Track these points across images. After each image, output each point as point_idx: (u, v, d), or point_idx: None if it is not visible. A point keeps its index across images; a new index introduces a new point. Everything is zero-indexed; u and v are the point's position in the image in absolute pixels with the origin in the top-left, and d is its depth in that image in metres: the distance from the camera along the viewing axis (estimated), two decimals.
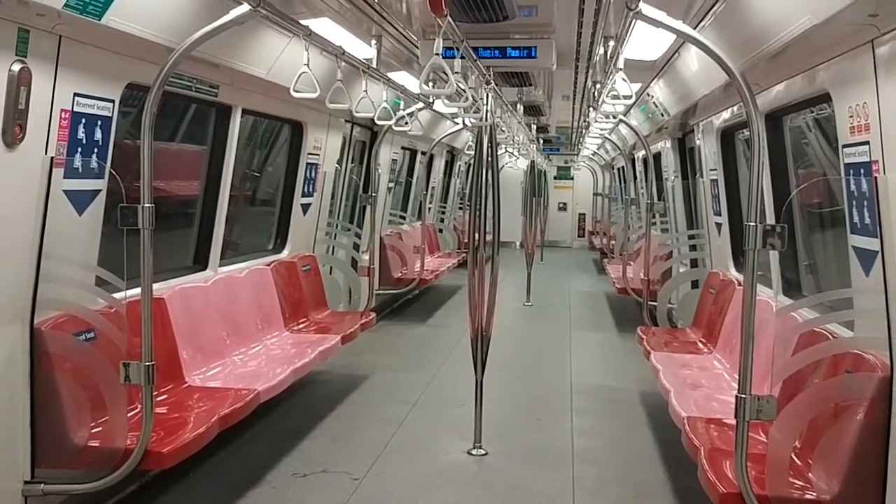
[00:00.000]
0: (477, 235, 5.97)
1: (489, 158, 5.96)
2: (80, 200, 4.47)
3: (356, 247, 9.63)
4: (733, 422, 3.77)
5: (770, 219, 5.80)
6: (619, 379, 8.30)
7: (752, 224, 3.64)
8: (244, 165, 8.63)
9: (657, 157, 11.05)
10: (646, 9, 3.69)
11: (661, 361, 6.53)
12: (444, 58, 4.26)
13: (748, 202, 3.72)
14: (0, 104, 3.74)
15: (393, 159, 11.91)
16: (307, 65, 5.04)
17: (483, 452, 5.93)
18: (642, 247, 9.71)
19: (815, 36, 3.81)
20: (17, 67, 3.79)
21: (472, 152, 15.04)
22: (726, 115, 7.19)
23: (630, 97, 5.45)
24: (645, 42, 5.83)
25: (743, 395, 3.66)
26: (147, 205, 3.99)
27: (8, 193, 3.94)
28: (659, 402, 6.38)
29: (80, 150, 4.38)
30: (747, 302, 3.70)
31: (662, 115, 8.64)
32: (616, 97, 5.50)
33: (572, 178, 25.11)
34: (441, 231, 16.14)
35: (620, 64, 5.08)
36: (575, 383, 8.11)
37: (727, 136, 7.61)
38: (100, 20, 3.89)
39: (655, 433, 6.51)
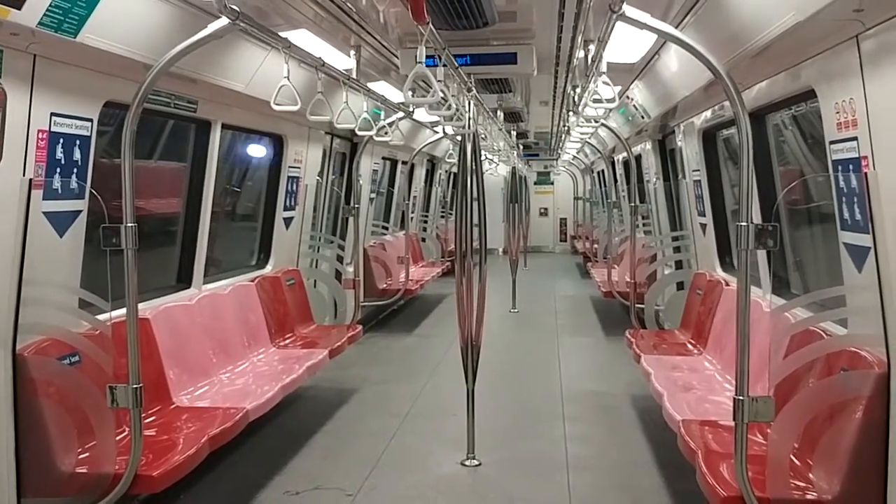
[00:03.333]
0: (463, 243, 5.92)
1: (473, 166, 5.92)
2: (60, 222, 4.40)
3: (340, 259, 9.57)
4: (728, 423, 3.74)
5: (756, 217, 5.79)
6: (609, 383, 8.27)
7: (745, 224, 3.61)
8: (224, 180, 8.55)
9: (638, 159, 11.05)
10: (629, 10, 3.66)
11: (651, 364, 6.50)
12: (426, 66, 4.22)
13: (739, 202, 3.69)
14: None
15: (374, 170, 11.86)
16: (287, 77, 4.99)
17: (477, 463, 5.88)
18: (626, 250, 9.71)
19: (800, 32, 3.79)
20: None
21: (453, 160, 15.06)
22: (707, 114, 7.18)
23: (613, 100, 5.42)
24: (625, 44, 5.82)
25: (741, 398, 3.63)
26: (130, 224, 3.92)
27: None
28: (649, 405, 6.36)
29: (59, 170, 4.31)
30: (741, 303, 3.67)
31: (643, 117, 8.64)
32: (598, 101, 5.46)
33: (552, 183, 25.12)
34: (424, 240, 16.10)
35: (603, 67, 5.05)
36: (565, 389, 8.07)
37: (709, 137, 7.61)
38: (75, 38, 3.83)
39: (648, 437, 6.48)
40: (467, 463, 5.89)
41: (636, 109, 8.62)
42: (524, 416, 7.28)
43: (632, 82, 7.89)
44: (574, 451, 6.24)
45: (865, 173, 3.69)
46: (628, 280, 9.11)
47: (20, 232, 4.05)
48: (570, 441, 6.47)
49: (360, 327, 8.40)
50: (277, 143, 8.04)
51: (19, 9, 3.43)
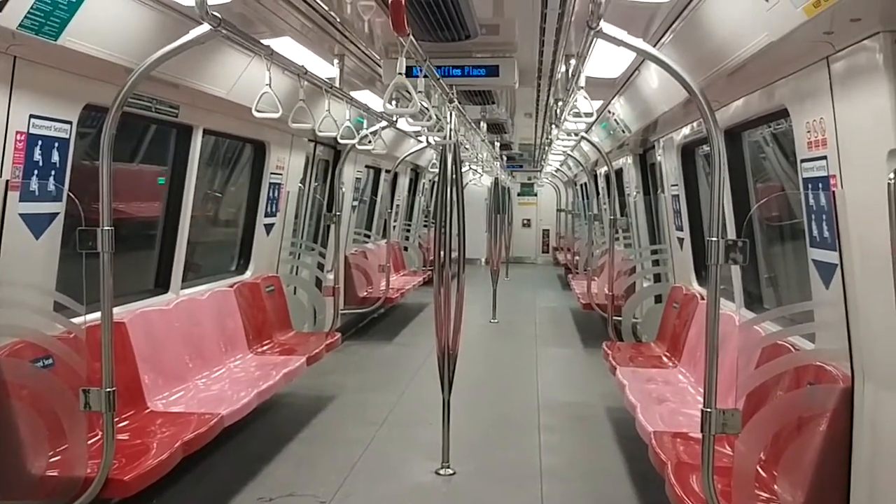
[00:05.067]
0: (442, 253, 5.96)
1: (454, 176, 5.96)
2: (36, 224, 4.40)
3: (321, 266, 9.58)
4: (699, 435, 3.78)
5: (731, 233, 5.86)
6: (586, 394, 8.32)
7: (715, 239, 3.67)
8: (206, 186, 8.57)
9: (619, 173, 11.13)
10: (606, 27, 3.71)
11: (626, 376, 6.55)
12: (407, 77, 4.26)
13: (710, 217, 3.75)
14: None
15: (357, 178, 11.88)
16: (269, 85, 5.02)
17: (451, 472, 5.90)
18: (606, 262, 9.76)
19: (773, 53, 3.86)
20: None
21: (436, 170, 15.10)
22: (686, 131, 7.26)
23: (591, 115, 5.48)
24: (606, 60, 5.88)
25: (708, 409, 3.67)
26: (107, 227, 3.93)
27: None
28: (625, 416, 6.40)
29: (36, 172, 4.32)
30: (711, 316, 3.72)
31: (623, 131, 8.71)
32: (578, 115, 5.52)
33: (536, 195, 25.22)
34: (406, 249, 16.12)
35: (582, 82, 5.11)
36: (542, 400, 8.11)
37: (687, 152, 7.68)
38: (56, 40, 3.85)
39: (622, 448, 6.52)
40: (442, 472, 5.91)
41: (617, 124, 8.69)
42: (500, 425, 7.31)
43: (613, 97, 7.96)
44: (548, 461, 6.28)
45: (833, 192, 3.76)
46: (607, 292, 9.16)
47: None
48: (545, 451, 6.51)
49: (338, 335, 8.42)
50: (259, 150, 8.06)
51: None
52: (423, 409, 7.45)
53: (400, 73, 4.18)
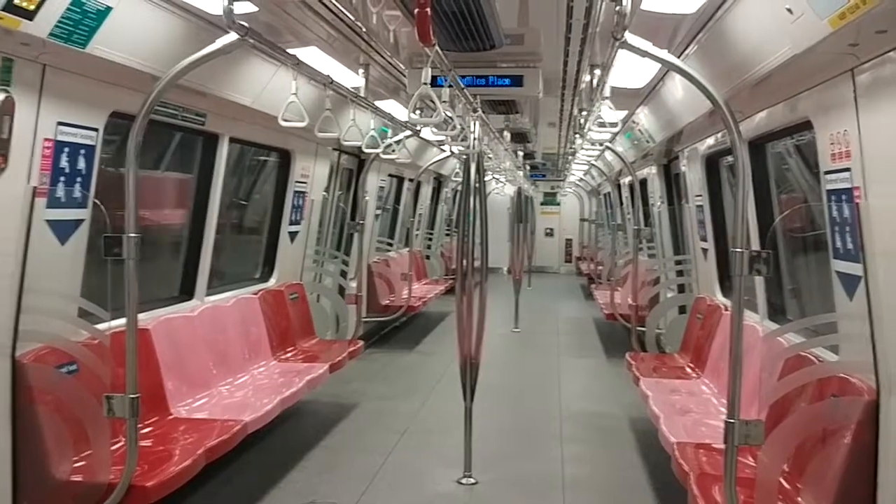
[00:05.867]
0: (465, 262, 5.97)
1: (477, 185, 5.97)
2: (62, 230, 4.44)
3: (343, 274, 9.61)
4: (722, 446, 3.76)
5: (755, 244, 5.83)
6: (608, 405, 8.29)
7: (739, 250, 3.65)
8: (231, 194, 8.63)
9: (643, 182, 11.11)
10: (631, 38, 3.71)
11: (650, 387, 6.53)
12: (431, 86, 4.28)
13: (734, 228, 3.74)
14: None
15: (380, 186, 11.92)
16: (295, 94, 5.04)
17: (473, 482, 5.90)
18: (630, 272, 9.73)
19: (797, 65, 3.85)
20: (0, 97, 3.78)
21: (459, 179, 15.09)
22: (711, 141, 7.24)
23: (616, 125, 5.48)
24: (631, 70, 5.88)
25: (731, 421, 3.65)
26: (132, 234, 3.96)
27: None
28: (648, 427, 6.37)
29: (63, 179, 4.36)
30: (735, 327, 3.71)
31: (648, 141, 8.69)
32: (602, 125, 5.52)
33: (559, 204, 25.18)
34: (428, 258, 16.14)
35: (607, 92, 5.12)
36: (564, 410, 8.10)
37: (712, 163, 7.66)
38: (84, 48, 3.89)
39: (645, 459, 6.49)
40: (463, 481, 5.90)
41: (641, 134, 8.68)
42: (522, 435, 7.30)
43: (637, 107, 7.96)
44: (571, 471, 6.26)
45: (857, 204, 3.74)
46: (630, 302, 9.13)
47: (23, 239, 4.07)
48: (567, 461, 6.49)
49: (361, 343, 8.44)
50: (284, 158, 8.11)
51: (31, 20, 3.49)
52: (444, 417, 7.45)
53: (425, 83, 4.20)
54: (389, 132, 8.53)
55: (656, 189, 10.41)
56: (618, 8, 3.62)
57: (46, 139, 4.18)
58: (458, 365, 6.18)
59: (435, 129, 6.34)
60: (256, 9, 4.38)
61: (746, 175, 3.72)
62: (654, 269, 10.02)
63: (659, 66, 5.91)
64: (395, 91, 7.86)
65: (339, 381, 8.18)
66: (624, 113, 8.14)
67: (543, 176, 22.73)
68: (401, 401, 8.32)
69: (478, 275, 6.28)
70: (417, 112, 5.60)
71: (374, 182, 11.11)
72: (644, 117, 8.17)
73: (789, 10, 3.48)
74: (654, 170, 10.30)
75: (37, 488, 4.18)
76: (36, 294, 4.15)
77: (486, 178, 14.50)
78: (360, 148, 7.37)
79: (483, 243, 6.22)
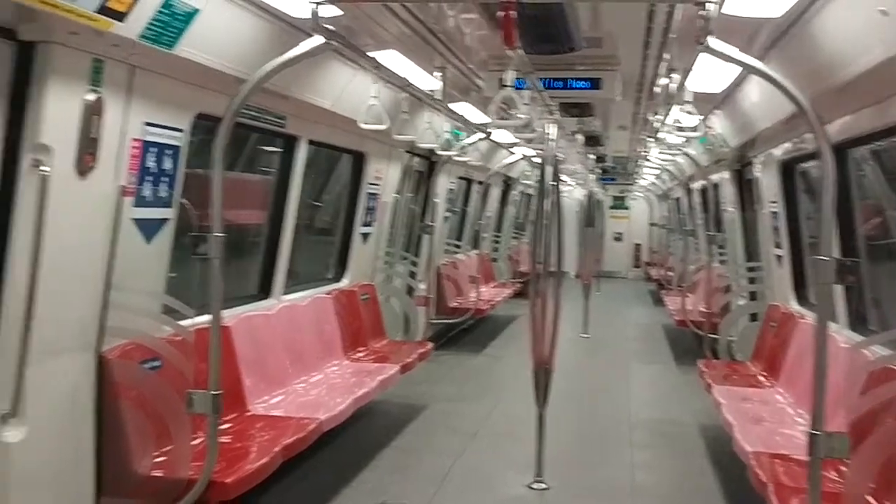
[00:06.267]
0: (539, 266, 5.95)
1: (552, 189, 5.95)
2: (148, 229, 4.53)
3: (413, 275, 9.65)
4: (799, 457, 3.70)
5: (835, 252, 5.71)
6: (678, 412, 8.19)
7: (825, 258, 3.57)
8: (304, 195, 8.74)
9: (715, 187, 10.94)
10: (714, 43, 3.66)
11: (722, 395, 6.43)
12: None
13: (819, 236, 3.66)
14: (74, 133, 3.82)
15: (449, 188, 11.96)
16: (376, 97, 5.07)
17: (544, 487, 5.87)
18: (701, 278, 9.61)
19: (889, 68, 3.75)
20: (91, 97, 3.86)
21: (529, 182, 15.03)
22: (787, 147, 7.09)
23: (695, 129, 5.41)
24: (709, 74, 5.80)
25: (816, 433, 3.58)
26: (217, 234, 4.02)
27: (79, 221, 4.00)
28: (719, 434, 6.29)
29: (149, 178, 4.45)
30: (819, 337, 3.63)
31: (722, 146, 8.57)
32: (680, 129, 5.46)
33: (628, 208, 24.94)
34: (495, 260, 16.10)
35: (687, 96, 5.05)
36: (633, 416, 8.03)
37: (787, 169, 7.51)
38: (172, 50, 3.97)
39: (717, 467, 6.39)
40: (534, 486, 5.88)
41: (715, 138, 8.55)
42: (591, 440, 7.25)
43: (712, 111, 7.84)
44: (641, 477, 6.20)
45: None
46: (702, 309, 9.01)
47: (110, 237, 4.18)
48: (638, 468, 6.43)
49: (430, 344, 8.48)
50: (358, 160, 8.19)
51: (122, 21, 3.57)
52: (514, 421, 7.43)
53: (507, 86, 4.20)
54: (463, 135, 8.54)
55: (728, 194, 10.24)
56: (701, 13, 3.58)
57: (134, 139, 4.26)
58: (527, 368, 6.16)
59: (514, 132, 6.33)
60: (341, 12, 4.42)
61: (832, 181, 3.63)
62: (725, 276, 9.87)
63: (738, 70, 5.85)
64: (465, 92, 7.88)
65: (409, 382, 8.20)
66: (698, 117, 8.05)
67: (613, 179, 22.49)
68: (470, 403, 8.32)
69: (551, 279, 6.24)
70: (497, 115, 5.59)
71: (443, 184, 11.14)
72: (718, 122, 8.05)
73: (884, 12, 3.40)
74: (727, 175, 10.13)
75: (119, 482, 4.28)
76: (122, 291, 4.26)
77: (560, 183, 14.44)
78: (431, 150, 7.40)
79: (557, 247, 6.19)
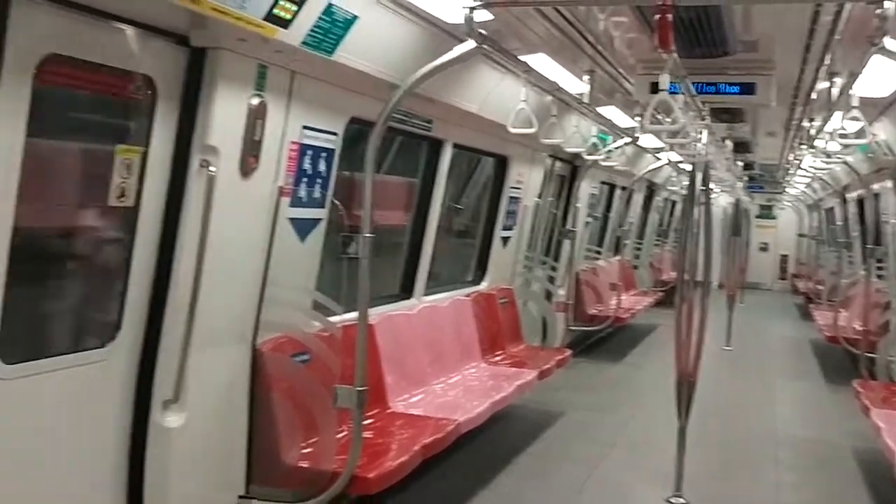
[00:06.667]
0: (686, 275, 5.79)
1: (702, 197, 5.79)
2: (303, 228, 4.67)
3: (552, 280, 9.57)
4: None
5: None
6: (829, 432, 7.84)
7: None
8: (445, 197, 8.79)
9: (875, 197, 10.40)
10: (889, 43, 3.47)
11: (882, 419, 6.08)
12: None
13: None
14: (239, 136, 3.98)
15: (591, 193, 11.81)
16: (525, 101, 5.05)
17: (683, 502, 5.71)
18: (857, 293, 9.14)
19: None
20: (255, 101, 4.02)
21: (674, 188, 14.70)
22: None
23: (862, 136, 5.14)
24: (875, 78, 5.51)
25: None
26: (367, 234, 4.08)
27: (241, 220, 4.16)
28: (876, 460, 5.99)
29: (305, 180, 4.58)
30: None
31: (885, 154, 8.12)
32: (845, 136, 5.20)
33: (775, 218, 24.02)
34: (636, 268, 15.79)
35: (854, 101, 4.80)
36: (780, 434, 7.73)
37: None
38: (330, 56, 4.07)
39: (873, 493, 6.08)
40: (673, 500, 5.72)
41: (878, 146, 8.12)
42: (734, 457, 7.03)
43: (876, 117, 7.45)
44: (787, 498, 5.99)
45: None
46: (857, 326, 8.56)
47: (268, 235, 4.34)
48: (783, 488, 6.21)
49: (569, 352, 8.39)
50: (500, 164, 8.18)
51: (286, 28, 3.69)
52: (652, 433, 7.27)
53: (663, 90, 4.11)
54: (609, 139, 8.42)
55: (890, 205, 9.70)
56: (878, 11, 3.39)
57: (293, 142, 4.40)
58: (667, 379, 6.02)
59: (667, 138, 6.19)
60: (492, 17, 4.42)
61: None
62: (885, 292, 9.35)
63: None
64: (611, 95, 7.76)
65: (546, 389, 8.14)
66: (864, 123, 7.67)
67: (761, 187, 21.67)
68: (608, 413, 8.20)
69: (698, 289, 6.07)
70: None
71: (586, 189, 11.01)
72: (882, 128, 7.63)
73: None
74: (888, 184, 9.60)
75: (268, 471, 4.42)
76: (276, 287, 4.41)
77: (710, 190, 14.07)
78: (575, 154, 7.32)
79: (706, 256, 6.02)
